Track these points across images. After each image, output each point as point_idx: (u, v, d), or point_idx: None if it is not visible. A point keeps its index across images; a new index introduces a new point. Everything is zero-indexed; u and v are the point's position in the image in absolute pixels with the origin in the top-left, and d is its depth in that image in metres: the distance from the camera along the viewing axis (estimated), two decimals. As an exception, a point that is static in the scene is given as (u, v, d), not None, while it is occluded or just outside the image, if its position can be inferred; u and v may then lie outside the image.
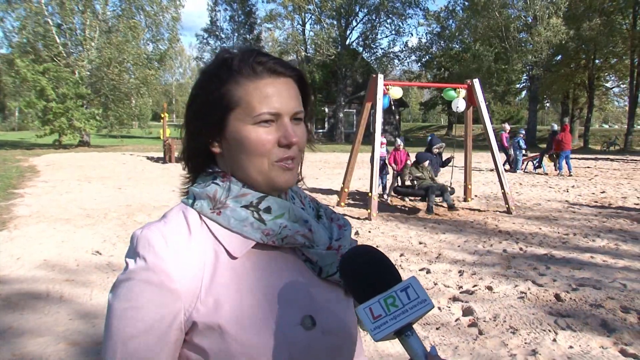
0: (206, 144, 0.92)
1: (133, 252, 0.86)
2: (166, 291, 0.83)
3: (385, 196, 11.26)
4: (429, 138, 11.43)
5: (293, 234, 0.90)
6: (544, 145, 19.08)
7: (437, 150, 10.90)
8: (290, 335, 0.87)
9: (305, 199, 1.03)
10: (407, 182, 10.28)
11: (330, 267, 0.94)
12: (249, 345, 0.84)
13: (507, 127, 19.54)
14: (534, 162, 18.43)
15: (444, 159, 11.13)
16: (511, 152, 18.19)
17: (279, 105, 0.90)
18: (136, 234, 0.88)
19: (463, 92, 10.00)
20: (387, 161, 11.41)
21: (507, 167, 17.96)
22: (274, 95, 0.90)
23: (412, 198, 10.94)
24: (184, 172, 1.00)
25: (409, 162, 10.48)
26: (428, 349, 0.79)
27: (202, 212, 0.91)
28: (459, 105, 9.97)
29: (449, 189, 9.94)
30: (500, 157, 10.23)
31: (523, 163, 18.31)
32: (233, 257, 0.88)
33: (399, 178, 10.72)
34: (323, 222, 1.00)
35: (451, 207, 9.71)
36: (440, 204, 10.12)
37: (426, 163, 10.27)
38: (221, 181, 0.92)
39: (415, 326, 0.83)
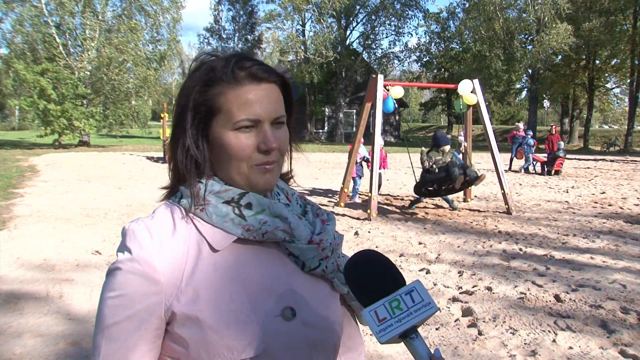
0: (187, 149, 0.94)
1: (122, 245, 0.91)
2: (149, 281, 0.87)
3: (356, 198, 11.04)
4: (437, 135, 10.01)
5: (273, 230, 0.93)
6: (544, 146, 19.10)
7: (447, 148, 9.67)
8: (268, 325, 0.89)
9: (292, 195, 1.06)
10: (426, 167, 9.37)
11: (312, 260, 0.96)
12: (226, 335, 0.86)
13: (521, 126, 19.53)
14: (534, 164, 18.47)
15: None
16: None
17: (259, 112, 0.92)
18: (125, 227, 0.93)
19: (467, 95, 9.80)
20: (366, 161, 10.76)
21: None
22: (254, 102, 0.92)
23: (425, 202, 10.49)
24: (168, 173, 1.03)
25: (423, 148, 9.73)
26: (432, 351, 0.80)
27: (186, 209, 0.94)
28: (462, 85, 9.68)
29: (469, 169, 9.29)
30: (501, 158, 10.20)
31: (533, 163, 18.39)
32: (215, 251, 0.91)
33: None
34: (308, 218, 1.02)
35: (474, 179, 9.11)
36: (440, 204, 10.10)
37: (447, 147, 9.45)
38: (205, 179, 0.95)
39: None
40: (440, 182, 9.27)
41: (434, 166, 9.24)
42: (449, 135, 10.42)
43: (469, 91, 9.76)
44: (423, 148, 9.78)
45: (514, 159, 18.93)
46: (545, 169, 17.65)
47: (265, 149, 0.92)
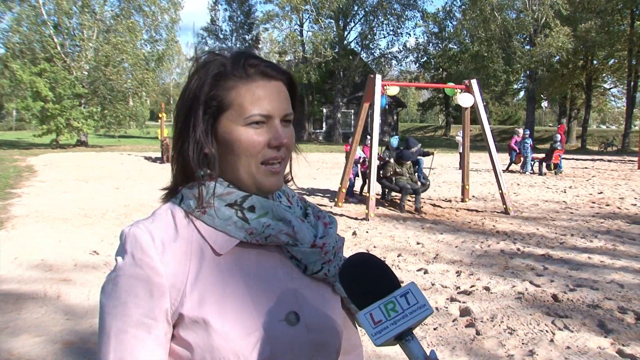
0: (197, 144, 0.93)
1: (121, 250, 0.89)
2: (153, 286, 0.85)
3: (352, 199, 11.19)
4: (406, 139, 11.30)
5: (276, 233, 0.92)
6: (542, 146, 19.14)
7: (415, 149, 10.93)
8: (273, 330, 0.88)
9: (293, 197, 1.05)
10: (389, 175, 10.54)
11: (315, 264, 0.96)
12: (231, 340, 0.85)
13: (521, 132, 19.47)
14: (533, 164, 18.48)
15: (425, 150, 11.57)
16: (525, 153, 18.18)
17: (270, 107, 0.92)
18: (124, 231, 0.90)
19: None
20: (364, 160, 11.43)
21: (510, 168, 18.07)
22: (266, 98, 0.92)
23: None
24: (171, 174, 1.00)
25: (392, 159, 10.68)
26: (428, 353, 0.80)
27: (188, 211, 0.93)
28: (463, 99, 9.85)
29: (422, 187, 10.33)
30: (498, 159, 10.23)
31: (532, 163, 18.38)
32: (218, 254, 0.90)
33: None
34: (310, 220, 1.01)
35: (417, 210, 9.89)
36: (438, 204, 10.15)
37: (408, 163, 10.55)
38: (207, 181, 0.93)
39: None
40: (391, 189, 10.75)
41: (393, 178, 10.43)
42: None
43: (469, 105, 9.90)
44: (392, 160, 10.70)
45: (513, 163, 18.88)
46: (544, 165, 17.67)
47: (276, 144, 0.92)
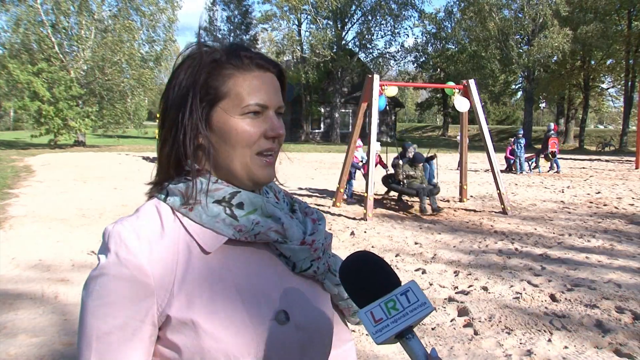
0: (193, 132, 0.90)
1: (105, 248, 0.85)
2: (139, 286, 0.82)
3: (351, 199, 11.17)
4: (402, 145, 11.33)
5: (266, 230, 0.90)
6: (539, 147, 19.20)
7: (411, 148, 10.90)
8: (263, 330, 0.86)
9: (279, 193, 1.03)
10: (400, 178, 10.41)
11: (304, 262, 0.94)
12: (222, 341, 0.83)
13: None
14: (530, 162, 18.51)
15: (428, 156, 11.46)
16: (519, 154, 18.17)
17: (266, 98, 0.91)
18: (108, 229, 0.87)
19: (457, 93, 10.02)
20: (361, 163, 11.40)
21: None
22: (262, 88, 0.91)
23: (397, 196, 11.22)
24: (157, 167, 0.97)
25: (401, 161, 10.58)
26: (429, 351, 0.80)
27: (174, 208, 0.90)
28: (459, 103, 9.90)
29: (436, 189, 10.20)
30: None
31: (527, 163, 18.37)
32: (206, 252, 0.88)
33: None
34: (297, 217, 0.99)
35: (436, 210, 9.84)
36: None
37: (421, 164, 10.51)
38: (195, 177, 0.91)
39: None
40: (406, 194, 10.53)
41: (405, 181, 10.30)
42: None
43: (466, 109, 10.01)
44: (401, 161, 10.59)
45: (509, 169, 18.88)
46: (542, 156, 17.68)
47: (273, 135, 0.91)
